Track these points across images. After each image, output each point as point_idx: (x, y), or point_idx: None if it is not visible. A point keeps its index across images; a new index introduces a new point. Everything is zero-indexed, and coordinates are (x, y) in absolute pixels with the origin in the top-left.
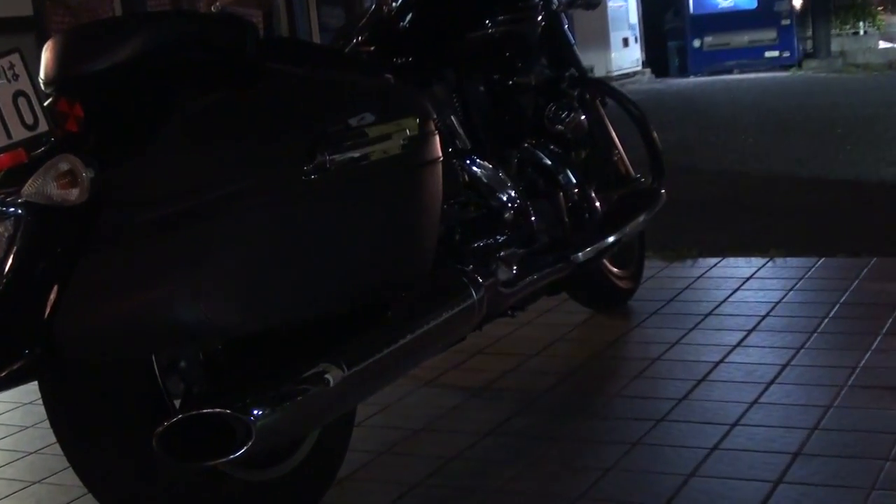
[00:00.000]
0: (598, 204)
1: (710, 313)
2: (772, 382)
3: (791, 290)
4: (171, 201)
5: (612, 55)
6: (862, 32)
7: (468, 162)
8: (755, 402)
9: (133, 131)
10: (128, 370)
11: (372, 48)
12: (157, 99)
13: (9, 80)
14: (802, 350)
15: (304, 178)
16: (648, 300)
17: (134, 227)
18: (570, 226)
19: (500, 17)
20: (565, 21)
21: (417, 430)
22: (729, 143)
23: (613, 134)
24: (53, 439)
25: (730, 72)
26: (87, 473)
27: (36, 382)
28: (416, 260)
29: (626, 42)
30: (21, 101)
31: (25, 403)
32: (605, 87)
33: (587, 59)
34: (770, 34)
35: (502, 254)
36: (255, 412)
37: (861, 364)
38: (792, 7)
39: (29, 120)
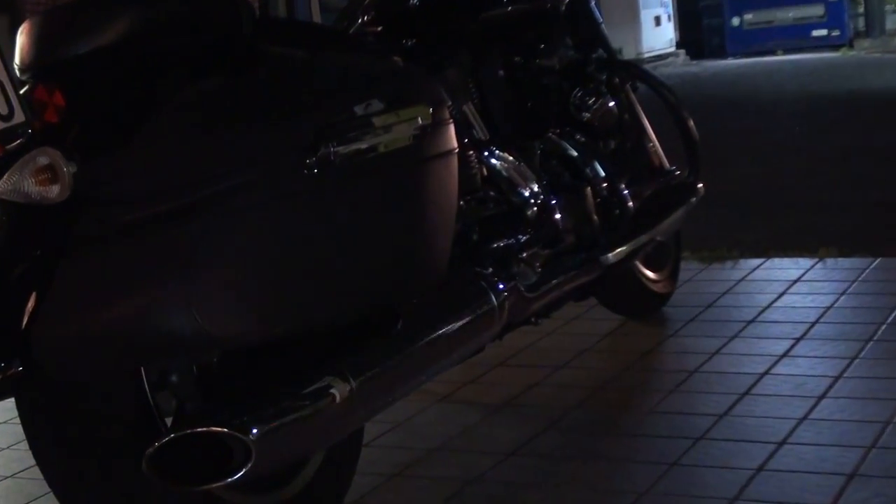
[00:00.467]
0: (629, 199)
1: (753, 320)
2: (823, 396)
3: (843, 293)
4: (161, 198)
5: (644, 35)
6: None
7: (486, 154)
8: (805, 417)
9: (119, 121)
10: (114, 385)
11: (379, 28)
12: (145, 86)
13: None
14: (857, 360)
15: (306, 172)
16: (685, 306)
17: (120, 226)
18: (599, 224)
19: None
20: None
21: (432, 451)
22: (772, 132)
23: (646, 122)
24: (32, 462)
25: (772, 53)
26: (69, 499)
27: (12, 399)
28: (430, 262)
29: (658, 21)
30: None
31: (0, 423)
32: (635, 71)
33: (616, 39)
34: (817, 10)
35: (524, 255)
36: (255, 431)
37: None
38: None
39: (3, 110)
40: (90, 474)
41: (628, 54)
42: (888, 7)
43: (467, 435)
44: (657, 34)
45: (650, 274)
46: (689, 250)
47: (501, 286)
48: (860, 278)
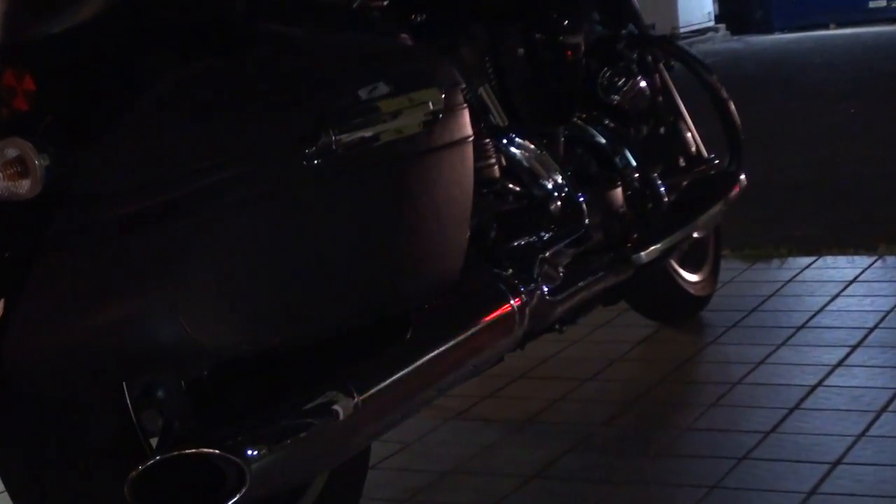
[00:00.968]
0: (663, 192)
1: (803, 326)
2: (883, 410)
3: None
4: (144, 194)
5: (679, 8)
6: None
7: (504, 141)
8: (862, 434)
9: (97, 109)
10: (92, 401)
11: (385, 3)
12: (127, 69)
13: None
14: None
15: (306, 163)
16: (726, 310)
17: (99, 225)
18: (630, 219)
19: None
20: None
21: (445, 474)
22: (824, 116)
23: (681, 105)
24: (1, 487)
25: (824, 26)
26: None
27: None
28: (442, 263)
29: None
30: None
31: None
32: (670, 48)
33: (648, 13)
34: None
35: (547, 254)
36: (250, 452)
37: None
38: None
39: None
40: (65, 501)
41: (662, 29)
42: None
43: (484, 456)
44: (694, 7)
45: (687, 275)
46: (731, 248)
47: (522, 289)
48: None
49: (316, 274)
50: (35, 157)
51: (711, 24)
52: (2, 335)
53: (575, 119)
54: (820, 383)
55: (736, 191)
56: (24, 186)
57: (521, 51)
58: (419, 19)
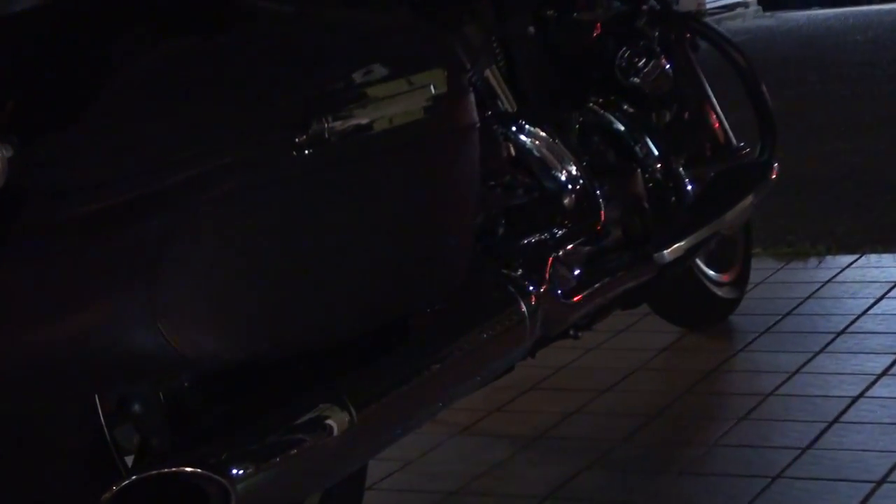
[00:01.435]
0: (688, 184)
1: (843, 331)
2: None
3: None
4: (118, 187)
5: None
6: None
7: (514, 128)
8: None
9: (66, 94)
10: (61, 416)
11: None
12: (99, 50)
13: None
14: None
15: (296, 153)
16: (758, 314)
17: (68, 221)
18: (652, 214)
19: None
20: None
21: (450, 494)
22: (867, 100)
23: (708, 89)
24: None
25: (868, 1)
26: None
27: None
28: (446, 262)
29: None
30: None
31: None
32: (696, 26)
33: None
34: None
35: (561, 253)
36: (234, 471)
37: None
38: None
39: None
40: None
41: (687, 5)
42: None
43: (492, 475)
44: None
45: (714, 275)
46: (763, 246)
47: (533, 291)
48: None
49: (306, 275)
50: None
51: None
52: None
53: (590, 104)
54: (862, 394)
55: (768, 183)
56: None
57: (531, 29)
58: None
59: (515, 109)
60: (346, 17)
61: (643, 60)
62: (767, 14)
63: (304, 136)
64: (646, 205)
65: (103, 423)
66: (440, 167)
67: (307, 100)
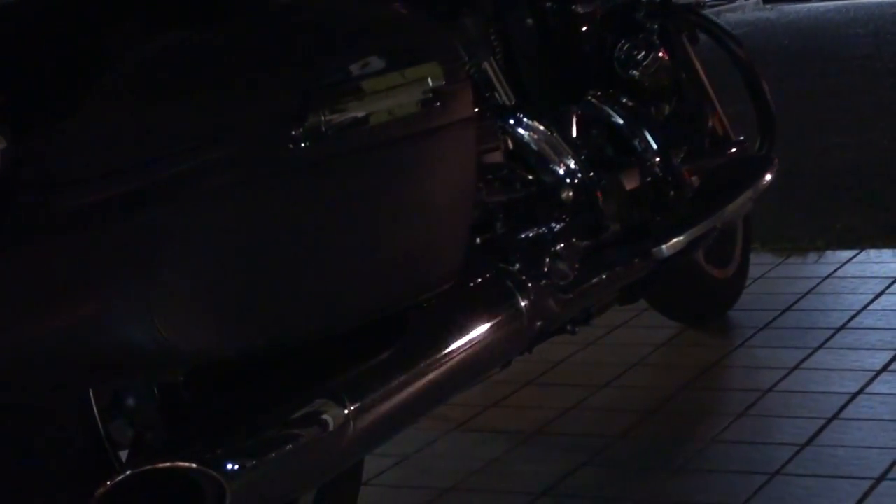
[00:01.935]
0: (687, 178)
1: (843, 326)
2: None
3: None
4: (111, 180)
5: None
6: None
7: (511, 122)
8: None
9: (58, 85)
10: (55, 410)
11: None
12: (91, 40)
13: None
14: None
15: (292, 146)
16: (757, 309)
17: (62, 215)
18: (651, 208)
19: None
20: None
21: (446, 490)
22: (868, 93)
23: (707, 82)
24: None
25: None
26: None
27: None
28: (443, 257)
29: None
30: None
31: None
32: (695, 18)
33: None
34: None
35: (558, 247)
36: (230, 467)
37: None
38: None
39: None
40: None
41: None
42: None
43: (489, 471)
44: None
45: (714, 270)
46: (762, 240)
47: (530, 285)
48: None
49: (302, 269)
50: None
51: None
52: None
53: (589, 97)
54: (861, 390)
55: (767, 177)
56: None
57: (529, 21)
58: None
59: (514, 102)
60: (343, 10)
61: (642, 53)
62: (768, 6)
63: (301, 130)
64: (644, 199)
65: (97, 417)
66: (437, 161)
67: (303, 93)
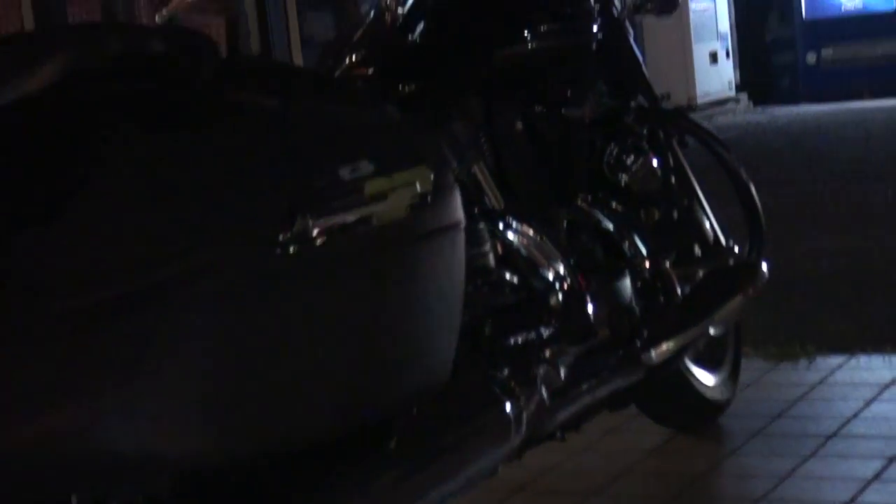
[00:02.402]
0: (676, 283)
1: (834, 434)
2: None
3: None
4: (98, 284)
5: (696, 76)
6: None
7: (500, 226)
8: None
9: (46, 186)
10: None
11: (370, 71)
12: (79, 143)
13: None
14: None
15: (280, 251)
16: (748, 416)
17: (45, 318)
18: (640, 314)
19: (543, 28)
20: (631, 32)
21: None
22: (857, 198)
23: (697, 187)
24: None
25: (859, 96)
26: None
27: None
28: (430, 363)
29: (714, 58)
30: None
31: None
32: (684, 123)
33: (662, 82)
34: None
35: (548, 353)
36: None
37: None
38: None
39: None
40: None
41: (678, 100)
42: None
43: None
44: (713, 75)
45: (704, 376)
46: (753, 346)
47: (519, 392)
48: None
49: (289, 376)
50: None
51: (732, 93)
52: None
53: (578, 201)
54: (853, 500)
55: (757, 283)
56: None
57: (519, 125)
58: (407, 90)
59: (503, 206)
60: (333, 114)
61: (631, 157)
62: (758, 109)
63: (289, 234)
64: (634, 304)
65: None
66: (426, 266)
67: (291, 197)
